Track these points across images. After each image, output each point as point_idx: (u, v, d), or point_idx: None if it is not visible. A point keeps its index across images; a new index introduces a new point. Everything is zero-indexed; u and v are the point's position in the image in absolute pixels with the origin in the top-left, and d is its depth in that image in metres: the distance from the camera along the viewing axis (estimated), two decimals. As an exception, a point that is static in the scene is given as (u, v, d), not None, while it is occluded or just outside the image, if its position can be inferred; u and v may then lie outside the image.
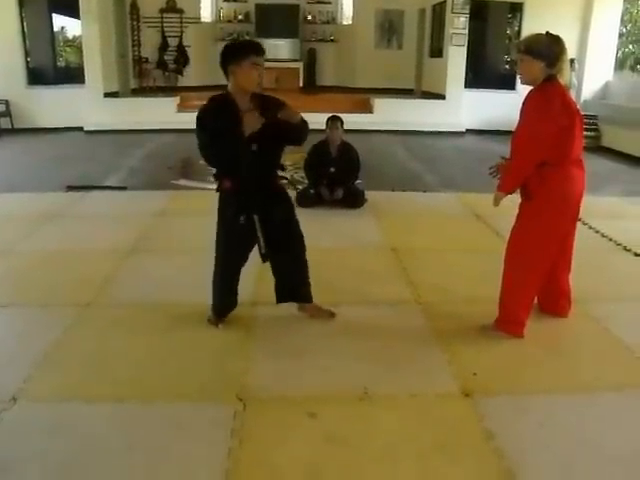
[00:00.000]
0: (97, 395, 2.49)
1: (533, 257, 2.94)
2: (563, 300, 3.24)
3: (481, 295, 3.57)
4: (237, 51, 2.68)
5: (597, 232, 4.90)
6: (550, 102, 2.73)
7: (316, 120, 9.07)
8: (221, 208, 3.00)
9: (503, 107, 11.01)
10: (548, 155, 2.79)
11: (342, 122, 5.54)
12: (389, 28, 13.58)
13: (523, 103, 2.84)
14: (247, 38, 13.59)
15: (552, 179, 2.83)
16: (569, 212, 2.95)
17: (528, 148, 2.81)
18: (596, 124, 9.78)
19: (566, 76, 2.81)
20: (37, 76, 10.98)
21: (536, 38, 2.81)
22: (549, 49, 2.74)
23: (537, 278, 3.01)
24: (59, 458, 2.11)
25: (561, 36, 2.82)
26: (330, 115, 5.65)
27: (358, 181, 5.77)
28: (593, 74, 10.85)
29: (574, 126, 2.78)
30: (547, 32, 2.79)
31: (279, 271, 3.11)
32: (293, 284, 3.14)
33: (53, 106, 10.49)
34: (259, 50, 2.68)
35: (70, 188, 6.19)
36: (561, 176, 2.85)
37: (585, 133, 10.68)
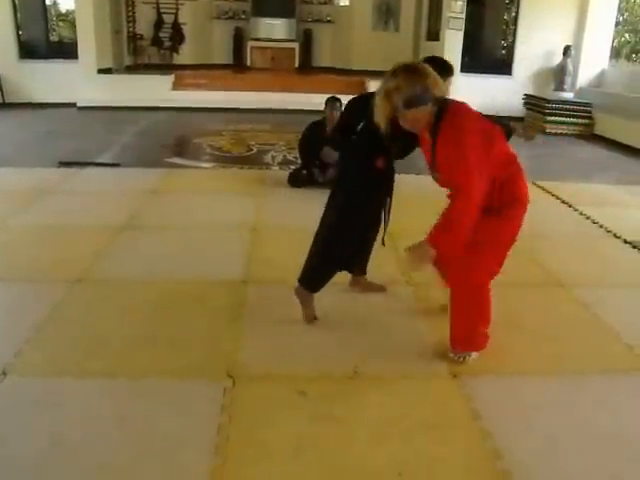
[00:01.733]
0: (87, 370, 2.49)
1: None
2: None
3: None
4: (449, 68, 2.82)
5: (588, 218, 4.92)
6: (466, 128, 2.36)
7: (310, 101, 9.08)
8: (368, 188, 2.89)
9: (498, 92, 11.01)
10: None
11: (341, 104, 5.52)
12: (386, 10, 13.43)
13: (437, 146, 2.42)
14: (243, 17, 13.45)
15: (515, 188, 2.53)
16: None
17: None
18: (590, 112, 9.74)
19: (444, 89, 2.44)
20: (29, 50, 10.81)
21: (409, 88, 2.31)
22: (425, 88, 2.31)
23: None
24: (49, 431, 2.12)
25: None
26: (329, 96, 5.62)
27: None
28: (589, 61, 10.80)
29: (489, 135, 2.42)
30: (405, 69, 2.37)
31: (369, 247, 3.24)
32: (368, 258, 3.29)
33: (45, 81, 10.35)
34: None
35: (63, 164, 6.14)
36: (519, 180, 2.54)
37: (579, 120, 10.52)
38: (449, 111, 2.39)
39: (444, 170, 2.46)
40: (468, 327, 2.64)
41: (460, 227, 2.36)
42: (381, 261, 3.81)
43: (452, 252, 2.47)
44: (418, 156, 2.76)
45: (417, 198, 5.25)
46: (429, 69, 2.38)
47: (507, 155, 2.52)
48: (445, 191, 2.54)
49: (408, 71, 2.35)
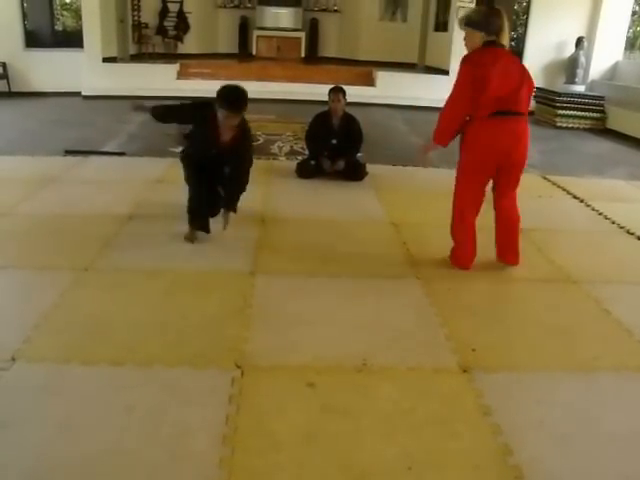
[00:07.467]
0: (95, 358, 2.47)
1: (456, 192, 3.44)
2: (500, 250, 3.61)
3: (480, 272, 3.57)
4: None
5: (600, 214, 4.87)
6: (468, 56, 3.15)
7: (317, 91, 9.03)
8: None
9: (507, 85, 10.89)
10: (470, 107, 3.14)
11: (345, 93, 5.46)
12: (394, 0, 13.34)
13: None
14: (249, 5, 13.38)
15: (467, 131, 3.23)
16: (482, 159, 3.26)
17: (450, 101, 3.18)
18: (602, 105, 9.56)
19: (505, 41, 3.18)
20: (35, 39, 10.78)
21: (476, 11, 3.27)
22: (487, 20, 3.12)
23: (457, 214, 3.45)
24: (57, 417, 2.11)
25: (501, 9, 3.19)
26: (332, 86, 5.57)
27: (359, 154, 5.71)
28: (602, 53, 10.55)
29: (486, 76, 3.05)
30: (488, 5, 3.26)
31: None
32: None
33: (51, 70, 10.31)
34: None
35: (68, 152, 6.11)
36: (475, 128, 3.18)
37: (591, 114, 10.37)
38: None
39: None
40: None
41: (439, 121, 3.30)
42: (388, 255, 3.80)
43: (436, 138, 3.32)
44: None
45: (423, 191, 5.22)
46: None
47: (488, 102, 3.09)
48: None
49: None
